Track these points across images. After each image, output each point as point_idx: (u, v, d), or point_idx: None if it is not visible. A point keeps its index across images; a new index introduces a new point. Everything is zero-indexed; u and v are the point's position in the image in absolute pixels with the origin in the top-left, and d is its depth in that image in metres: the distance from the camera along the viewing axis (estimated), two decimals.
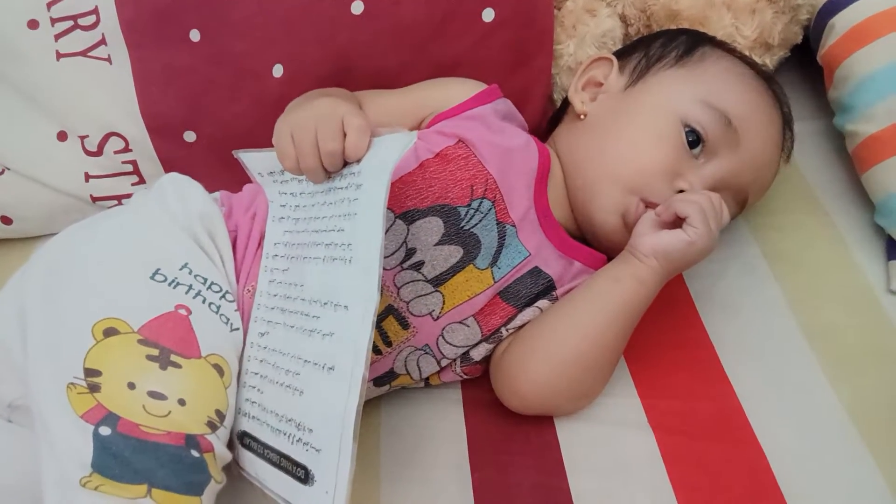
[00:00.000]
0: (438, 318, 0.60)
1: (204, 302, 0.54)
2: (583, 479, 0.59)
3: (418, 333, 0.60)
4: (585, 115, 0.69)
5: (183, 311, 0.53)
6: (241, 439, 0.54)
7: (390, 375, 0.62)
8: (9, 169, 0.77)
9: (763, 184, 0.69)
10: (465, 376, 0.65)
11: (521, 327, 0.64)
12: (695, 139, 0.63)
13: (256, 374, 0.55)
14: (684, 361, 0.67)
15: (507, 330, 0.63)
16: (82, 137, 0.76)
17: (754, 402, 0.63)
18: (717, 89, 0.65)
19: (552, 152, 0.68)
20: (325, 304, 0.52)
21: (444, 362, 0.62)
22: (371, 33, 0.72)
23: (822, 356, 0.66)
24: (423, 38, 0.73)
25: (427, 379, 0.65)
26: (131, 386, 0.49)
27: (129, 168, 0.77)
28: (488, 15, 0.73)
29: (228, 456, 0.52)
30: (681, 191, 0.63)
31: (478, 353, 0.63)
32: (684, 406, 0.64)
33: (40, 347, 0.52)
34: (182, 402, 0.49)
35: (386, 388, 0.63)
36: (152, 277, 0.54)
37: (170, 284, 0.54)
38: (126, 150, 0.76)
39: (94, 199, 0.78)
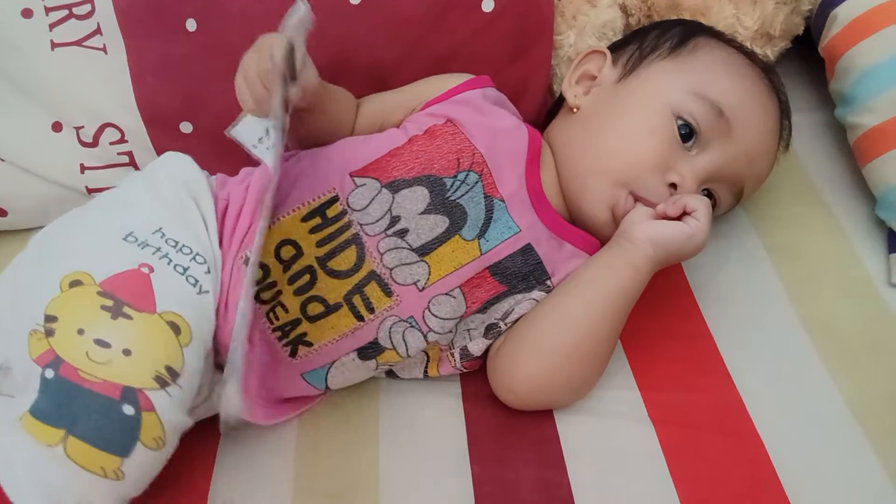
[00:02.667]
0: (424, 288, 0.60)
1: (169, 263, 0.55)
2: (583, 472, 0.59)
3: (402, 303, 0.60)
4: (579, 109, 0.69)
5: (145, 270, 0.54)
6: None
7: (375, 348, 0.61)
8: (3, 160, 0.76)
9: (759, 174, 0.69)
10: (465, 370, 0.65)
11: (517, 321, 0.63)
12: (688, 132, 0.63)
13: None
14: (684, 353, 0.67)
15: (504, 324, 0.63)
16: (77, 128, 0.75)
17: (754, 394, 0.63)
18: (708, 79, 0.65)
19: (545, 143, 0.69)
20: None
21: (430, 336, 0.61)
22: (369, 24, 0.72)
23: (822, 348, 0.66)
24: (422, 30, 0.73)
25: (426, 371, 0.65)
26: (80, 332, 0.49)
27: (125, 159, 0.77)
28: (488, 5, 0.73)
29: (184, 422, 0.51)
30: (672, 184, 0.63)
31: (477, 348, 0.63)
32: (684, 398, 0.64)
33: (19, 303, 0.54)
34: (127, 353, 0.49)
35: (373, 365, 0.62)
36: (124, 239, 0.56)
37: (139, 245, 0.55)
38: (122, 140, 0.76)
39: (90, 191, 0.77)
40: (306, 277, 0.60)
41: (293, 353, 0.60)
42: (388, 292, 0.60)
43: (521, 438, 0.61)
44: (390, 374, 0.65)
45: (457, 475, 0.59)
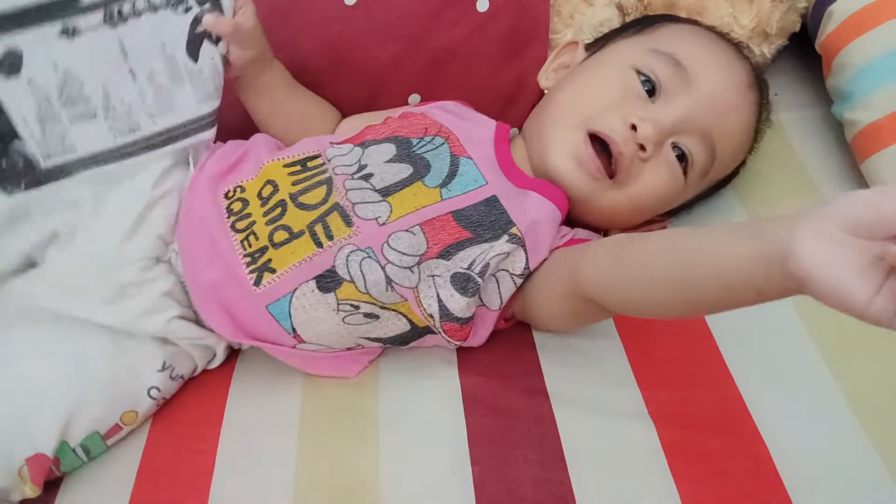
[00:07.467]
0: (384, 224, 0.62)
1: None
2: (584, 471, 0.59)
3: (361, 234, 0.62)
4: (549, 90, 0.73)
5: None
6: None
7: (333, 278, 0.61)
8: None
9: (731, 132, 0.69)
10: (449, 338, 0.64)
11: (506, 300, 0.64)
12: (651, 88, 0.66)
13: None
14: (684, 352, 0.67)
15: (478, 277, 0.62)
16: None
17: (755, 392, 0.63)
18: (666, 40, 0.69)
19: (517, 131, 0.71)
20: None
21: (388, 269, 0.61)
22: (364, 24, 0.72)
23: (823, 345, 0.66)
24: (417, 29, 0.73)
25: (412, 324, 0.64)
26: None
27: None
28: (483, 5, 0.73)
29: None
30: (633, 126, 0.64)
31: (457, 307, 0.62)
32: (684, 397, 0.63)
33: None
34: None
35: (334, 302, 0.61)
36: None
37: None
38: None
39: None
40: (278, 210, 0.64)
41: (258, 282, 0.62)
42: (348, 223, 0.62)
43: (521, 438, 0.61)
44: (382, 342, 0.65)
45: (457, 475, 0.59)
